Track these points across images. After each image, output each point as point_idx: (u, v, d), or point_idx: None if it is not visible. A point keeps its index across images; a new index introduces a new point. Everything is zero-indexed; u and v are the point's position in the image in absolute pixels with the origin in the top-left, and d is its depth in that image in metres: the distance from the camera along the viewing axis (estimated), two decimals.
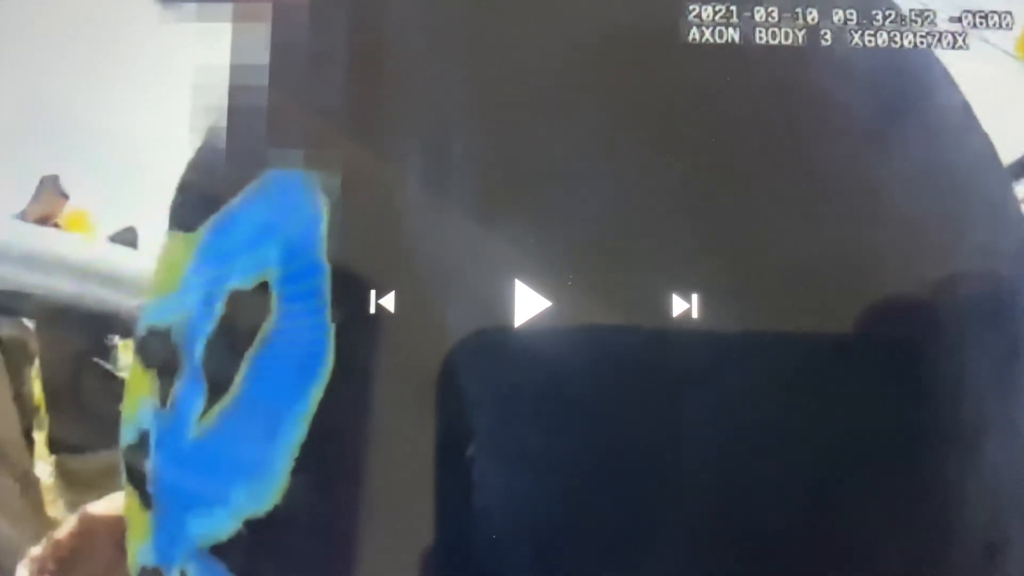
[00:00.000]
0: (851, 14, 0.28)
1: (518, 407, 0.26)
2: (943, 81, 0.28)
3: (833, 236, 0.27)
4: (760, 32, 0.28)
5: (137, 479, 0.26)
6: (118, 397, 0.27)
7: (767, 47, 0.28)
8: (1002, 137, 0.27)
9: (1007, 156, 0.27)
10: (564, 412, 0.26)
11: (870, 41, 0.28)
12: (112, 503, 0.27)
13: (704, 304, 0.26)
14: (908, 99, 0.28)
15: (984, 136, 0.27)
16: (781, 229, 0.27)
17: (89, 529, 0.27)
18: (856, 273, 0.27)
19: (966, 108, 0.27)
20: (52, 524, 0.26)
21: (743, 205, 0.27)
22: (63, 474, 0.28)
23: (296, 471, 0.26)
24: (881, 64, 0.28)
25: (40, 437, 0.29)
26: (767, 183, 0.27)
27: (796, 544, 0.26)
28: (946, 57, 0.28)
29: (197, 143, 0.28)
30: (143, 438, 0.27)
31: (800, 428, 0.26)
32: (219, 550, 0.26)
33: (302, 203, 0.27)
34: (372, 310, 0.26)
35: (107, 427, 0.27)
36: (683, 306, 0.26)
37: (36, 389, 0.29)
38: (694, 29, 0.28)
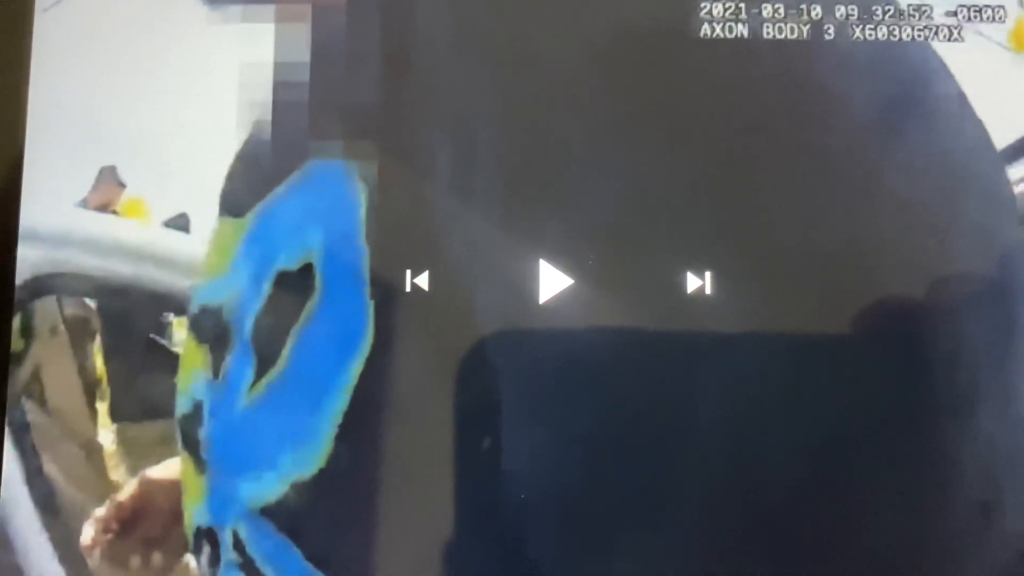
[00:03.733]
0: (852, 10, 0.28)
1: (543, 378, 0.26)
2: (940, 72, 0.27)
3: (836, 216, 0.27)
4: (767, 28, 0.28)
5: (192, 446, 0.27)
6: (173, 370, 0.27)
7: (774, 41, 0.28)
8: (996, 124, 0.27)
9: (1000, 141, 0.27)
10: (586, 382, 0.26)
11: (871, 35, 0.28)
12: (169, 468, 0.27)
13: (717, 281, 0.27)
14: (907, 89, 0.27)
15: (978, 123, 0.27)
16: (788, 211, 0.27)
17: (148, 492, 0.27)
18: (858, 251, 0.27)
19: (961, 97, 0.27)
20: (114, 487, 0.26)
21: (752, 189, 0.27)
22: (124, 441, 0.28)
23: (339, 437, 0.26)
24: (881, 57, 0.28)
25: (102, 407, 0.29)
26: (775, 169, 0.27)
27: (804, 506, 0.26)
28: (942, 49, 0.28)
29: (244, 136, 0.28)
30: (197, 408, 0.27)
31: (807, 398, 0.26)
32: (268, 511, 0.26)
33: (342, 191, 0.27)
34: (408, 288, 0.27)
35: (164, 398, 0.27)
36: (697, 283, 0.27)
37: (98, 363, 0.29)
38: (705, 25, 0.28)
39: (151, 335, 0.28)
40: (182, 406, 0.27)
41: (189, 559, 0.27)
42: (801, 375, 0.26)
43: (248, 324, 0.27)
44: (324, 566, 0.26)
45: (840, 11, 0.28)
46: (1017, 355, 0.26)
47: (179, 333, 0.28)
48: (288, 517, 0.26)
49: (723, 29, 0.28)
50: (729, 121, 0.27)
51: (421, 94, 0.28)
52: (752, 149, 0.27)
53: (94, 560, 0.27)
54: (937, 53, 0.28)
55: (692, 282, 0.27)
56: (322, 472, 0.26)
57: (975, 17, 0.28)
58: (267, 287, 0.27)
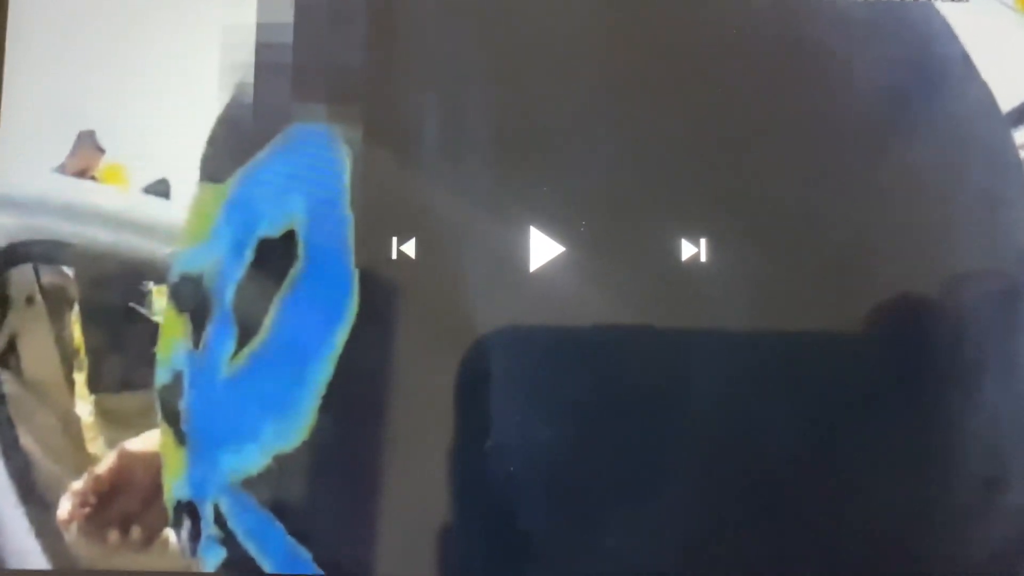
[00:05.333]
0: None
1: (533, 348, 0.26)
2: (943, 32, 0.27)
3: (835, 182, 0.26)
4: None
5: (172, 417, 0.27)
6: (153, 340, 0.27)
7: (772, 1, 0.27)
8: (1001, 86, 0.27)
9: (1006, 104, 0.27)
10: (577, 352, 0.26)
11: None
12: (149, 440, 0.27)
13: (713, 248, 0.26)
14: (909, 50, 0.27)
15: (983, 85, 0.27)
16: (785, 176, 0.27)
17: (127, 465, 0.27)
18: (859, 217, 0.26)
19: (966, 58, 0.27)
20: (92, 460, 0.26)
21: (749, 154, 0.27)
22: (102, 413, 0.28)
23: (323, 409, 0.26)
24: (883, 16, 0.27)
25: (80, 378, 0.29)
26: (772, 134, 0.27)
27: (804, 480, 0.26)
28: (946, 9, 0.27)
29: (226, 99, 0.28)
30: (177, 378, 0.27)
31: (805, 370, 0.26)
32: (250, 484, 0.26)
33: (326, 155, 0.27)
34: (394, 256, 0.27)
35: (143, 368, 0.27)
36: (692, 250, 0.26)
37: (76, 333, 0.29)
38: None
39: (130, 304, 0.28)
40: (162, 377, 0.27)
41: (169, 533, 0.27)
42: (799, 346, 0.26)
43: (229, 292, 0.27)
44: (307, 541, 0.26)
45: None
46: (1022, 325, 0.26)
47: (159, 302, 0.28)
48: (270, 491, 0.26)
49: None
50: (726, 85, 0.27)
51: (408, 56, 0.27)
52: (749, 113, 0.27)
53: (71, 535, 0.27)
54: (941, 13, 0.27)
55: (687, 249, 0.26)
56: (305, 444, 0.26)
57: None
58: (249, 254, 0.27)
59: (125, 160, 0.28)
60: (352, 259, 0.27)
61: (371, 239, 0.27)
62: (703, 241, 0.26)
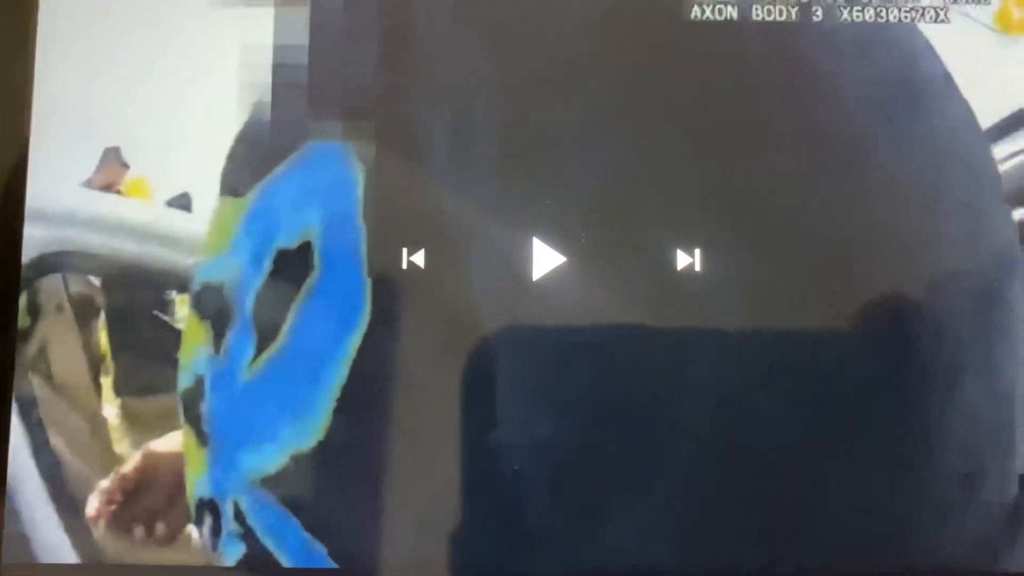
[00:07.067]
0: None
1: (536, 353, 0.27)
2: (925, 52, 0.27)
3: (823, 195, 0.27)
4: (756, 9, 0.28)
5: (194, 419, 0.27)
6: (176, 346, 0.27)
7: (763, 23, 0.28)
8: (981, 104, 0.27)
9: (985, 121, 0.27)
10: (578, 357, 0.27)
11: (858, 16, 0.28)
12: (172, 441, 0.27)
13: (706, 258, 0.27)
14: (893, 70, 0.27)
15: (964, 103, 0.27)
16: (776, 189, 0.27)
17: (152, 464, 0.27)
18: (845, 228, 0.27)
19: (947, 77, 0.27)
20: (119, 460, 0.26)
21: (741, 168, 0.27)
22: (127, 415, 0.29)
23: (338, 410, 0.27)
24: (868, 38, 0.28)
25: (107, 382, 0.29)
26: (763, 148, 0.27)
27: (792, 477, 0.26)
28: (929, 31, 0.28)
29: (244, 117, 0.28)
30: (199, 382, 0.27)
31: (795, 372, 0.26)
32: (268, 482, 0.27)
33: (340, 170, 0.28)
34: (404, 266, 0.27)
35: (166, 373, 0.27)
36: (687, 260, 0.27)
37: (103, 339, 0.29)
38: (696, 7, 0.28)
39: (154, 312, 0.28)
40: (184, 381, 0.27)
41: (191, 530, 0.27)
42: (789, 350, 0.27)
43: (249, 301, 0.27)
44: (323, 536, 0.26)
45: None
46: (1000, 331, 0.27)
47: (181, 310, 0.28)
48: (288, 488, 0.27)
49: (713, 11, 0.28)
50: (719, 101, 0.27)
51: (418, 76, 0.28)
52: (741, 129, 0.27)
53: (99, 530, 0.27)
54: (923, 34, 0.28)
55: (682, 259, 0.27)
56: (321, 444, 0.27)
57: None
58: (267, 264, 0.27)
59: (149, 175, 0.28)
60: (365, 268, 0.27)
61: (383, 250, 0.27)
62: (697, 251, 0.27)
